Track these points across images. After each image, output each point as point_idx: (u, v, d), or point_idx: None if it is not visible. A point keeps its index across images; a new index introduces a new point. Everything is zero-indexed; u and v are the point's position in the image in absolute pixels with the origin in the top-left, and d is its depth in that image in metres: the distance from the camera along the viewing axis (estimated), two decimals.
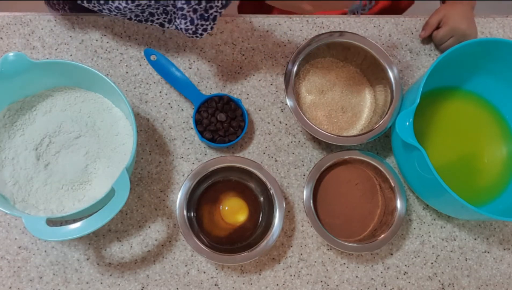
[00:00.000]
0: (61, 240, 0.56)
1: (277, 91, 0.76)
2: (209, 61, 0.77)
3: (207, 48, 0.77)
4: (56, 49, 0.75)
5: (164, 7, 0.65)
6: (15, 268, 0.67)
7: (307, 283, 0.69)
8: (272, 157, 0.74)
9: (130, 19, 0.68)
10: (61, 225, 0.55)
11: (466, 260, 0.72)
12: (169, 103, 0.74)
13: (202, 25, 0.62)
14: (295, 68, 0.71)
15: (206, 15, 0.61)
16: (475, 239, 0.74)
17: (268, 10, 0.96)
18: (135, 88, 0.74)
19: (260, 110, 0.75)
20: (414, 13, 0.88)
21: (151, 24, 0.69)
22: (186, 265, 0.68)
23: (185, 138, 0.73)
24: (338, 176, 0.72)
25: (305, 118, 0.68)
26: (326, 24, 0.80)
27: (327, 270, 0.70)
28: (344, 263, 0.70)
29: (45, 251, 0.67)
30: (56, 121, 0.65)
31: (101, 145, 0.66)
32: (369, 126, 0.73)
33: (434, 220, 0.74)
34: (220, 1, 0.59)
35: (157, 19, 0.68)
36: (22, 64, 0.60)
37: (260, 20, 0.79)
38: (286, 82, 0.70)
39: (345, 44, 0.73)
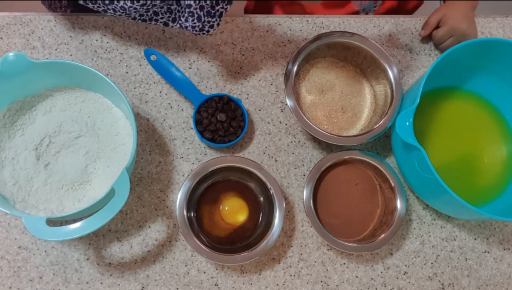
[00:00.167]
0: (61, 240, 0.56)
1: (277, 91, 0.76)
2: (209, 61, 0.77)
3: (207, 48, 0.77)
4: (56, 49, 0.75)
5: (168, 6, 0.65)
6: (15, 268, 0.67)
7: (307, 283, 0.69)
8: (272, 157, 0.74)
9: (134, 18, 0.68)
10: (61, 225, 0.55)
11: (466, 260, 0.72)
12: (169, 103, 0.74)
13: (209, 22, 0.63)
14: (295, 68, 0.71)
15: (213, 11, 0.62)
16: (475, 239, 0.74)
17: (276, 8, 0.96)
18: (135, 88, 0.74)
19: (260, 110, 0.75)
20: (418, 14, 0.88)
21: (155, 24, 0.69)
22: (186, 265, 0.68)
23: (185, 138, 0.73)
24: (338, 176, 0.72)
25: (305, 118, 0.68)
26: (326, 24, 0.80)
27: (327, 270, 0.70)
28: (344, 263, 0.70)
29: (45, 251, 0.67)
30: (56, 121, 0.65)
31: (101, 145, 0.66)
32: (369, 126, 0.73)
33: (434, 220, 0.74)
34: None
35: (161, 18, 0.68)
36: (22, 64, 0.60)
37: (260, 20, 0.79)
38: (286, 82, 0.70)
39: (345, 44, 0.73)
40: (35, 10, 0.78)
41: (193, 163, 0.72)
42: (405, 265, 0.71)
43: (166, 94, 0.74)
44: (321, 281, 0.70)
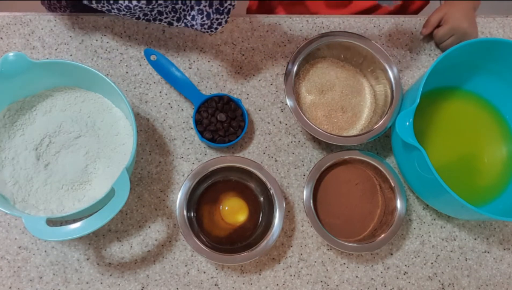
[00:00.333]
0: (61, 240, 0.56)
1: (277, 91, 0.76)
2: (209, 61, 0.77)
3: (207, 48, 0.77)
4: (56, 49, 0.75)
5: (173, 5, 0.65)
6: (15, 268, 0.67)
7: (307, 283, 0.69)
8: (272, 157, 0.74)
9: (138, 18, 0.68)
10: (61, 225, 0.55)
11: (466, 260, 0.72)
12: (169, 103, 0.74)
13: (217, 19, 0.64)
14: (295, 68, 0.71)
15: (221, 8, 0.62)
16: (475, 239, 0.74)
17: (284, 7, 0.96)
18: (135, 88, 0.74)
19: (260, 110, 0.75)
20: (419, 14, 0.88)
21: (159, 23, 0.69)
22: (186, 265, 0.68)
23: (185, 138, 0.73)
24: (338, 176, 0.72)
25: (305, 118, 0.68)
26: (326, 24, 0.80)
27: (327, 270, 0.70)
28: (344, 263, 0.70)
29: (45, 251, 0.67)
30: (56, 121, 0.65)
31: (101, 145, 0.66)
32: (369, 126, 0.73)
33: (434, 220, 0.74)
34: None
35: (166, 17, 0.68)
36: (22, 64, 0.60)
37: (260, 20, 0.79)
38: (286, 82, 0.70)
39: (345, 44, 0.73)
40: (35, 10, 0.78)
41: (193, 163, 0.72)
42: (405, 265, 0.71)
43: (166, 94, 0.74)
44: (321, 281, 0.70)
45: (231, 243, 0.68)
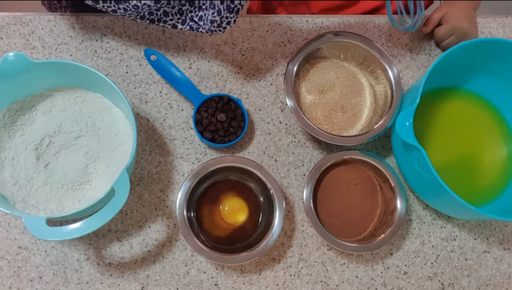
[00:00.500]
0: (61, 240, 0.56)
1: (277, 91, 0.76)
2: (209, 61, 0.77)
3: (207, 48, 0.77)
4: (56, 49, 0.75)
5: (179, 7, 0.65)
6: (15, 268, 0.67)
7: (307, 283, 0.69)
8: (272, 157, 0.74)
9: (143, 18, 0.68)
10: (61, 225, 0.55)
11: (466, 260, 0.72)
12: (169, 103, 0.74)
13: (227, 17, 0.64)
14: (295, 68, 0.71)
15: (232, 6, 0.62)
16: (475, 239, 0.74)
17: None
18: (135, 88, 0.74)
19: (260, 110, 0.75)
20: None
21: (163, 25, 0.69)
22: (186, 265, 0.68)
23: (185, 138, 0.73)
24: (338, 176, 0.72)
25: (305, 118, 0.68)
26: (326, 24, 0.80)
27: (327, 270, 0.70)
28: (344, 263, 0.70)
29: (45, 251, 0.67)
30: (56, 121, 0.65)
31: (101, 145, 0.66)
32: (369, 126, 0.73)
33: (434, 220, 0.74)
34: None
35: (171, 20, 0.68)
36: (22, 64, 0.60)
37: (260, 20, 0.79)
38: (286, 82, 0.70)
39: (345, 44, 0.73)
40: (35, 10, 0.78)
41: (193, 163, 0.72)
42: (405, 265, 0.71)
43: (166, 94, 0.74)
44: (321, 281, 0.70)
45: (231, 243, 0.68)
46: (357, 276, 0.70)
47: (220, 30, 0.66)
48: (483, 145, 0.75)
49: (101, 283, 0.67)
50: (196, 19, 0.66)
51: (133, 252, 0.68)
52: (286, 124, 0.75)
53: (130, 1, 0.63)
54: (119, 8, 0.64)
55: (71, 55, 0.75)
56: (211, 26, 0.65)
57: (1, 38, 0.74)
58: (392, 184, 0.70)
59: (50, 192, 0.63)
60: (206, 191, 0.69)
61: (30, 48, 0.74)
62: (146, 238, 0.69)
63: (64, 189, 0.63)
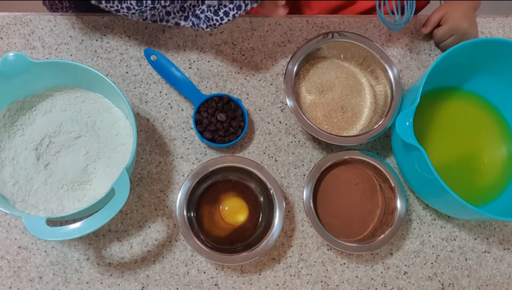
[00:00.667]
0: (61, 240, 0.56)
1: (277, 91, 0.76)
2: (209, 61, 0.77)
3: (207, 48, 0.77)
4: (56, 49, 0.75)
5: (181, 5, 0.65)
6: (15, 268, 0.67)
7: (307, 283, 0.69)
8: (272, 157, 0.74)
9: (145, 19, 0.68)
10: (61, 225, 0.55)
11: (466, 260, 0.72)
12: (169, 103, 0.74)
13: (225, 6, 0.63)
14: (295, 68, 0.71)
15: None
16: (475, 239, 0.74)
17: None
18: (135, 88, 0.74)
19: (260, 110, 0.75)
20: (419, 13, 0.88)
21: (166, 24, 0.69)
22: (186, 265, 0.68)
23: (185, 138, 0.73)
24: (338, 176, 0.72)
25: (305, 118, 0.68)
26: (326, 24, 0.80)
27: (327, 270, 0.70)
28: (344, 263, 0.70)
29: (45, 251, 0.67)
30: (56, 121, 0.65)
31: (101, 145, 0.66)
32: (369, 126, 0.73)
33: (434, 220, 0.74)
34: None
35: (173, 18, 0.68)
36: (22, 64, 0.60)
37: (260, 20, 0.79)
38: (286, 82, 0.70)
39: (345, 44, 0.73)
40: (35, 10, 0.78)
41: (193, 163, 0.72)
42: (405, 265, 0.71)
43: (166, 94, 0.74)
44: (321, 281, 0.70)
45: (231, 243, 0.68)
46: (357, 276, 0.70)
47: (216, 21, 0.65)
48: (483, 145, 0.75)
49: (101, 283, 0.67)
50: (198, 12, 0.65)
51: (133, 252, 0.68)
52: (286, 124, 0.75)
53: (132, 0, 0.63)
54: (122, 8, 0.64)
55: (71, 55, 0.75)
56: (214, 16, 0.65)
57: (1, 38, 0.74)
58: (392, 184, 0.70)
59: (50, 192, 0.63)
60: (206, 191, 0.69)
61: (30, 48, 0.74)
62: (146, 238, 0.69)
63: (64, 189, 0.63)
